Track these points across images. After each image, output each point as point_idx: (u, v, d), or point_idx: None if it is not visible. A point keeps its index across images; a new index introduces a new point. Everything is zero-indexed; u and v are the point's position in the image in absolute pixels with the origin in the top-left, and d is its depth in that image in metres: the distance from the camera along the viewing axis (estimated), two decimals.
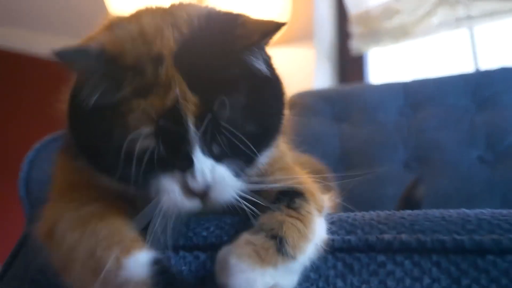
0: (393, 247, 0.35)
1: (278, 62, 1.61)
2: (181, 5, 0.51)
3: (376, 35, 1.91)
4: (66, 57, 0.41)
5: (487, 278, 0.32)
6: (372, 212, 0.42)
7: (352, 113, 1.37)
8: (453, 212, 0.37)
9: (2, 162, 2.91)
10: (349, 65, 1.95)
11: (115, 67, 0.41)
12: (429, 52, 1.86)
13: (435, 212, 0.38)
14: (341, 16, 2.03)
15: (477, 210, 0.37)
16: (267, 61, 0.48)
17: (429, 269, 0.33)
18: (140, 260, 0.37)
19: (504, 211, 0.36)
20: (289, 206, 0.40)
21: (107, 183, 0.42)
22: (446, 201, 1.12)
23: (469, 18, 1.75)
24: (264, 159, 0.46)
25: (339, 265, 0.36)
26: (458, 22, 1.77)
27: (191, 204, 0.41)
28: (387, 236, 0.36)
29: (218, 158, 0.41)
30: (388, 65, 1.94)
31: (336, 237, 0.38)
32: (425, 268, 0.34)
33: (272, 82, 0.48)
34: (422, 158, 1.22)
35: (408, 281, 0.34)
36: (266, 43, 0.47)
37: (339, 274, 0.36)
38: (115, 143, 0.39)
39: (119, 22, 0.47)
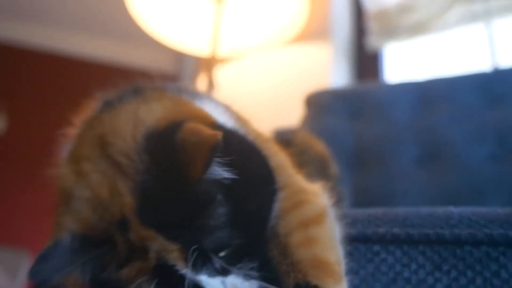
0: (386, 238, 0.41)
1: (294, 60, 1.67)
2: (110, 122, 0.47)
3: (392, 31, 1.93)
4: (40, 275, 0.40)
5: (464, 265, 0.39)
6: (371, 209, 0.48)
7: (366, 111, 1.42)
8: (440, 210, 0.43)
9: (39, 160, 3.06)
10: (365, 62, 1.98)
11: (90, 250, 0.41)
12: (446, 48, 1.88)
13: (425, 210, 0.44)
14: (358, 13, 2.06)
15: (461, 209, 0.43)
16: (230, 152, 0.43)
17: (416, 257, 0.40)
18: None
19: (484, 210, 0.42)
20: None
21: None
22: (456, 196, 1.17)
23: (487, 13, 1.77)
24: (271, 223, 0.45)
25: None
26: (475, 17, 1.78)
27: None
28: (381, 230, 0.42)
29: (224, 272, 0.41)
30: (405, 61, 1.97)
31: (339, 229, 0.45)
32: (412, 256, 0.40)
33: (245, 174, 0.44)
34: (433, 154, 1.27)
35: (398, 267, 0.40)
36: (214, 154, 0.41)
37: None
38: None
39: (71, 188, 0.45)
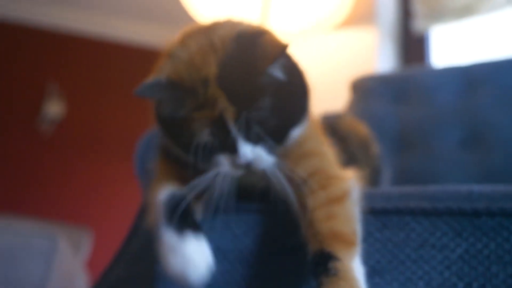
0: (415, 211, 0.50)
1: (341, 45, 1.72)
2: (217, 25, 0.66)
3: (439, 14, 1.94)
4: (146, 93, 0.60)
5: (480, 232, 0.47)
6: (406, 187, 0.56)
7: (411, 95, 1.47)
8: (464, 187, 0.51)
9: (120, 145, 3.29)
10: (412, 45, 2.00)
11: (179, 92, 0.59)
12: (493, 30, 1.87)
13: (451, 187, 0.51)
14: None
15: (482, 186, 0.50)
16: (287, 65, 0.62)
17: (440, 226, 0.48)
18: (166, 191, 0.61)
19: (502, 187, 0.49)
20: (328, 275, 0.50)
21: (183, 161, 0.63)
22: (499, 177, 1.22)
23: None
24: (289, 141, 0.62)
25: (378, 223, 0.51)
26: None
27: (237, 172, 0.59)
28: (412, 204, 0.50)
29: (255, 142, 0.58)
30: (452, 44, 1.97)
31: (377, 205, 0.53)
32: (437, 225, 0.48)
33: (291, 84, 0.62)
34: (477, 137, 1.31)
35: (425, 235, 0.49)
36: (281, 57, 0.60)
37: (377, 229, 0.51)
38: (187, 139, 0.59)
39: (174, 50, 0.63)
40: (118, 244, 0.97)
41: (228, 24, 0.66)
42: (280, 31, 1.95)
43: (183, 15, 2.14)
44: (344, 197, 0.57)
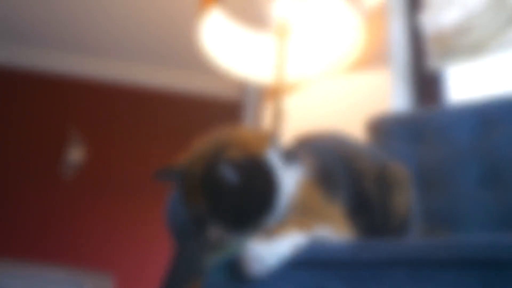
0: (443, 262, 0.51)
1: (355, 87, 1.75)
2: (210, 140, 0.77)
3: (451, 53, 1.96)
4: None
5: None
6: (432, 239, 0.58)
7: (427, 135, 1.48)
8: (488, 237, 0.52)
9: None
10: (425, 85, 2.02)
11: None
12: (508, 68, 1.89)
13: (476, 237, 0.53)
14: (415, 36, 2.11)
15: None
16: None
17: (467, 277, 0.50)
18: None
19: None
20: None
21: None
22: None
23: None
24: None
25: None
26: None
27: None
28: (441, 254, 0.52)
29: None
30: (466, 82, 1.98)
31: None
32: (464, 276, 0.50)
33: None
34: (496, 175, 1.32)
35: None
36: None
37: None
38: None
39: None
40: None
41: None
42: (295, 75, 2.01)
43: (201, 60, 2.20)
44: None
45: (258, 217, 0.68)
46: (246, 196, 0.67)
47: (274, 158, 0.72)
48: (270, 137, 0.77)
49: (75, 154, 3.45)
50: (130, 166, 3.49)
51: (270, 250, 0.61)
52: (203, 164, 0.69)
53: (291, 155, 0.76)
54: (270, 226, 0.68)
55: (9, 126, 3.54)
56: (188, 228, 0.79)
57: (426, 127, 1.51)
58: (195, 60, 2.53)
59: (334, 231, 0.68)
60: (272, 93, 1.95)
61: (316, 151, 0.81)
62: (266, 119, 2.20)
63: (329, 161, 0.81)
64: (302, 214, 0.70)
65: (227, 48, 2.04)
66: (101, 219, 3.34)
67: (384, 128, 1.57)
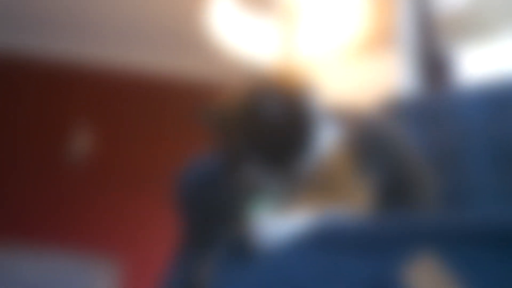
0: None
1: (364, 70, 1.72)
2: None
3: (463, 35, 1.94)
4: None
5: None
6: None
7: (439, 118, 1.46)
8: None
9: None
10: (436, 67, 2.00)
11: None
12: None
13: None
14: (426, 18, 2.08)
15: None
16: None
17: None
18: None
19: None
20: None
21: None
22: None
23: None
24: None
25: None
26: None
27: None
28: None
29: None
30: (477, 65, 1.96)
31: None
32: None
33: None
34: (509, 157, 1.30)
35: None
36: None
37: None
38: None
39: None
40: (149, 276, 0.97)
41: None
42: (304, 55, 1.99)
43: (212, 49, 2.18)
44: None
45: (292, 154, 0.68)
46: (284, 133, 0.68)
47: (315, 107, 0.74)
48: (313, 89, 0.78)
49: (84, 141, 3.46)
50: (138, 153, 3.49)
51: (281, 226, 0.61)
52: (246, 99, 0.70)
53: (331, 115, 0.77)
54: (301, 174, 0.68)
55: (16, 115, 3.55)
56: (205, 195, 0.78)
57: (438, 109, 1.49)
58: (206, 50, 2.50)
59: (352, 208, 0.67)
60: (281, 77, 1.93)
61: (361, 123, 0.82)
62: None
63: (373, 137, 0.81)
64: (324, 185, 0.70)
65: (236, 34, 2.02)
66: (110, 205, 3.35)
67: (395, 111, 1.54)
